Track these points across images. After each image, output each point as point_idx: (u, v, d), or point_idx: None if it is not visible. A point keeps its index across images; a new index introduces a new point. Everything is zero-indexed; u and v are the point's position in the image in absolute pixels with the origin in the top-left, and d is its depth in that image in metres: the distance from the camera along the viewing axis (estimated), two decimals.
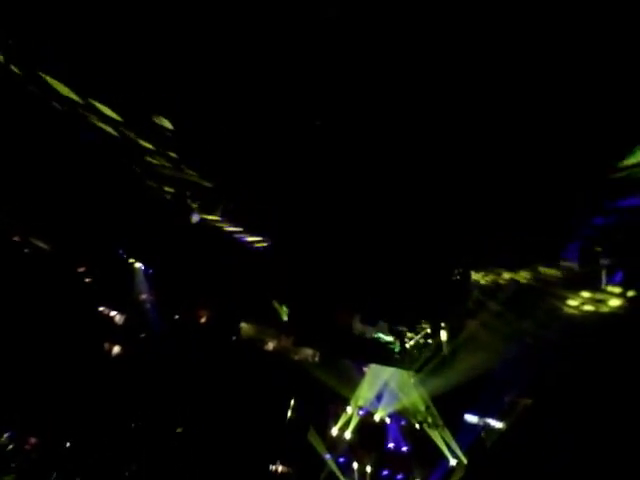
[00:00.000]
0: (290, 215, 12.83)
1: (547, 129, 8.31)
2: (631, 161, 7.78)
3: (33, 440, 14.53)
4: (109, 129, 10.69)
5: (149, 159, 11.74)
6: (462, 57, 7.36)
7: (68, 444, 14.85)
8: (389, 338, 15.49)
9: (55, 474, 14.10)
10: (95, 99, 9.70)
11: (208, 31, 7.21)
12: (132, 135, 10.83)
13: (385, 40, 7.28)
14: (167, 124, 10.30)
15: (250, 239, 13.82)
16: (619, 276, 10.50)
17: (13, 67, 9.27)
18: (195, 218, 12.38)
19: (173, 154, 11.29)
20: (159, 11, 6.92)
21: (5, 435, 14.08)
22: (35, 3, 7.78)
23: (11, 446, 14.02)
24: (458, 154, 9.73)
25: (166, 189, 12.70)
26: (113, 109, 10.00)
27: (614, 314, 11.01)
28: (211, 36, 7.30)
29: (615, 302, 10.78)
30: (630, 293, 10.50)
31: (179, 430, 15.98)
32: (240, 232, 13.57)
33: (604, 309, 11.06)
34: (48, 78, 9.31)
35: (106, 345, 15.97)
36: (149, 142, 11.09)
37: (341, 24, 7.06)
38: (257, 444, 16.23)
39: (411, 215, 11.58)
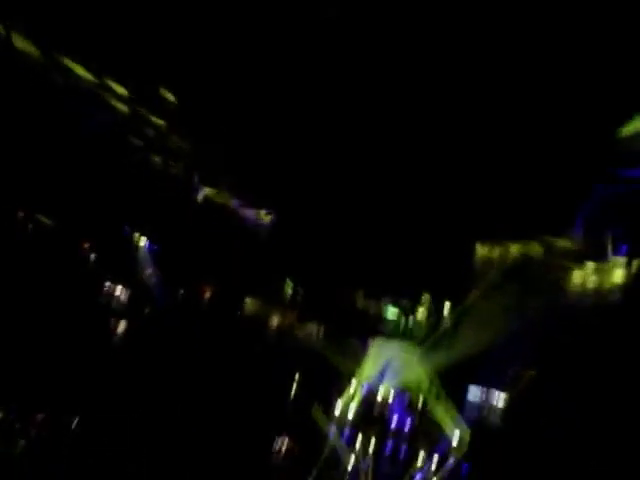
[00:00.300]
0: (294, 190, 12.81)
1: (549, 102, 8.30)
2: (629, 129, 7.76)
3: (40, 416, 14.62)
4: (117, 104, 10.67)
5: (154, 134, 11.72)
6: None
7: (74, 421, 14.93)
8: (393, 313, 15.51)
9: (62, 451, 14.21)
10: (105, 75, 9.70)
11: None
12: (138, 110, 10.82)
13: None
14: (172, 97, 10.27)
15: (254, 214, 13.82)
16: (624, 248, 10.50)
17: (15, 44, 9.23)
18: (200, 193, 12.37)
19: (178, 129, 11.28)
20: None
21: (11, 412, 14.15)
22: None
23: (17, 424, 14.11)
24: (461, 127, 9.71)
25: (171, 164, 12.68)
26: (121, 84, 9.99)
27: (618, 286, 11.02)
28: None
29: (620, 273, 10.80)
30: (635, 264, 10.51)
31: (183, 405, 16.05)
32: (244, 207, 13.56)
33: (609, 280, 11.08)
34: (55, 54, 9.27)
35: (111, 321, 16.03)
36: (154, 117, 11.08)
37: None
38: (261, 419, 16.33)
39: (416, 188, 11.56)
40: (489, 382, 16.14)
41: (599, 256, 10.89)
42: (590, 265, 11.16)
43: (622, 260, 10.68)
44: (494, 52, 7.69)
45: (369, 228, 13.11)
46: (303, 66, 8.74)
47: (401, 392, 17.75)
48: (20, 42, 9.50)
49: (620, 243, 10.43)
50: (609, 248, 10.49)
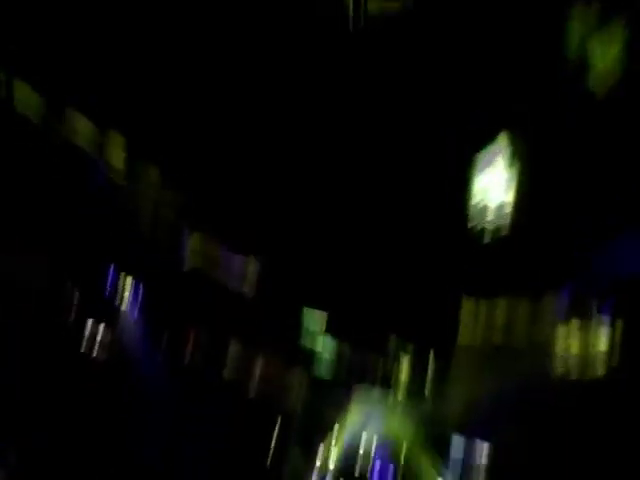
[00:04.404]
0: (280, 234, 12.80)
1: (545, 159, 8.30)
2: None
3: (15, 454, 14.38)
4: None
5: (139, 177, 11.73)
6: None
7: (52, 457, 14.70)
8: (377, 362, 15.42)
9: None
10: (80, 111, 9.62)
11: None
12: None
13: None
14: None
15: (241, 260, 13.81)
16: (609, 306, 10.49)
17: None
18: (186, 238, 12.36)
19: (161, 171, 11.26)
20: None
21: None
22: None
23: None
24: (453, 173, 9.71)
25: (156, 206, 12.69)
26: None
27: (604, 353, 11.06)
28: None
29: (605, 332, 10.82)
30: (619, 324, 10.54)
31: (165, 450, 15.80)
32: (229, 251, 13.55)
33: (594, 339, 11.09)
34: (28, 89, 9.22)
35: (93, 361, 15.82)
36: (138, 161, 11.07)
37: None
38: (240, 469, 16.08)
39: (403, 238, 11.55)
40: (474, 434, 15.95)
41: (584, 314, 10.88)
42: (575, 323, 11.18)
43: (607, 319, 10.69)
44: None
45: (355, 276, 13.09)
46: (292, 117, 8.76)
47: (384, 442, 17.52)
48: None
49: (606, 301, 10.43)
50: (594, 306, 10.48)
